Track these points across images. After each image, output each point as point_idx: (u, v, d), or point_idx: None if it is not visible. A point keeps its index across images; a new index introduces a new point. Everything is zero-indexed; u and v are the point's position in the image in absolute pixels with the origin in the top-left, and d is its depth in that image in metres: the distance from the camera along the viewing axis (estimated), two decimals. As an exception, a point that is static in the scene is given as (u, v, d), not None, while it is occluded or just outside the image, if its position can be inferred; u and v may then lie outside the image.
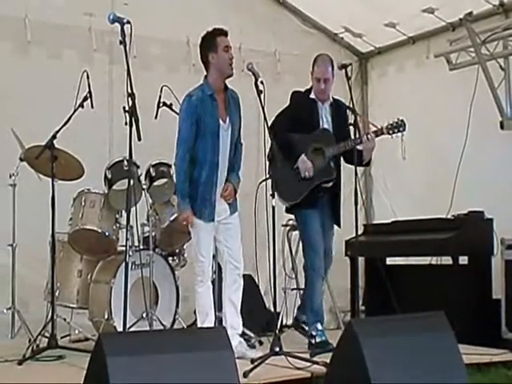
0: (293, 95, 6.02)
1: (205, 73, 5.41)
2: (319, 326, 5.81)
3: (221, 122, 5.31)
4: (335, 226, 6.01)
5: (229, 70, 5.29)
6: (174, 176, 5.65)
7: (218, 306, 5.54)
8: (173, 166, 5.66)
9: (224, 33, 5.32)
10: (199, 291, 5.36)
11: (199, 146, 5.29)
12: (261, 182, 5.47)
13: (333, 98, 5.96)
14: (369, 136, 5.68)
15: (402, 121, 5.77)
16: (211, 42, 5.30)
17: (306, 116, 5.88)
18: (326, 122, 5.91)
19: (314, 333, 5.80)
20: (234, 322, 5.38)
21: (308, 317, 5.93)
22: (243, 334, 5.57)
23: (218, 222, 5.37)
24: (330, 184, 5.88)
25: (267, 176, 5.38)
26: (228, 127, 5.34)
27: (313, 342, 5.75)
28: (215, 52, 5.28)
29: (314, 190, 5.81)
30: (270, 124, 5.51)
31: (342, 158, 5.96)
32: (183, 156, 5.29)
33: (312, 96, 5.92)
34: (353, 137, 5.70)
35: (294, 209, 5.96)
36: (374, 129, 5.82)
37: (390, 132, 5.76)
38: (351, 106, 5.63)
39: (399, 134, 5.77)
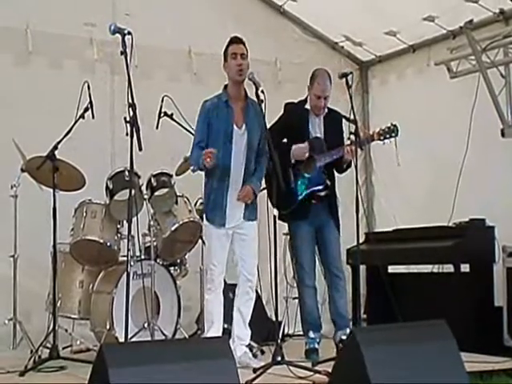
0: (286, 106, 6.01)
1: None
2: (311, 334, 5.89)
3: (235, 127, 5.31)
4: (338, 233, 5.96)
5: (236, 76, 5.30)
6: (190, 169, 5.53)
7: (226, 317, 5.51)
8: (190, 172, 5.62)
9: (234, 41, 5.36)
10: (207, 298, 5.39)
11: None
12: (262, 190, 5.48)
13: (328, 109, 5.89)
14: (348, 148, 5.54)
15: (394, 126, 5.58)
16: (225, 51, 5.37)
17: (297, 127, 5.85)
18: (318, 132, 5.87)
19: (305, 340, 5.90)
20: (240, 333, 5.40)
21: (302, 326, 6.02)
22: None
23: (232, 231, 5.34)
24: (324, 193, 5.83)
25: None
26: (244, 133, 5.33)
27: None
28: (226, 60, 5.35)
29: (304, 200, 5.80)
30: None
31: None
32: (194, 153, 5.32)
33: (307, 107, 5.90)
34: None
35: (286, 219, 5.91)
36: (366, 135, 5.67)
37: (381, 138, 5.58)
38: (351, 114, 5.46)
39: (392, 140, 5.56)
